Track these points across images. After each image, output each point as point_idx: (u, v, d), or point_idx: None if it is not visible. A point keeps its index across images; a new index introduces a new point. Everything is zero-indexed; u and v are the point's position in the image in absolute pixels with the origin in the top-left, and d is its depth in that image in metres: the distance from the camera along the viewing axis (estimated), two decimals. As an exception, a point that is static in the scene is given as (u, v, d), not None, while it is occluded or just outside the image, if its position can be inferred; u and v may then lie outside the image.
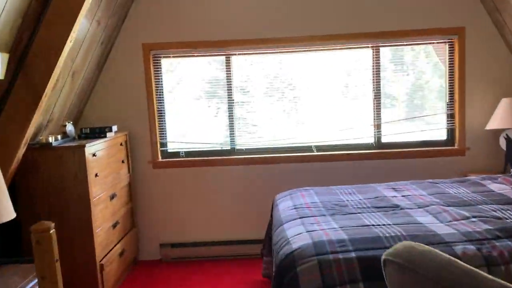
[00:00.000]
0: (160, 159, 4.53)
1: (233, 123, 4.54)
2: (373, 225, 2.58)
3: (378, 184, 3.63)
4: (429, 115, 4.60)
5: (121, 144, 4.19)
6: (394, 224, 2.57)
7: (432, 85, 4.56)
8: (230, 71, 4.47)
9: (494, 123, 4.21)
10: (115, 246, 3.92)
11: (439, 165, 4.46)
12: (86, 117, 4.40)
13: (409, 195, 3.22)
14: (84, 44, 3.68)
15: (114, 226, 3.93)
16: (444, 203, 2.96)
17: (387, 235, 2.39)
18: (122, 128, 4.35)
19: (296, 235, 2.51)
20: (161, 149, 4.55)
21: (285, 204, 3.22)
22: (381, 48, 4.45)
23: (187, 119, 4.62)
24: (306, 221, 2.75)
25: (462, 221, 2.58)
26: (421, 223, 2.59)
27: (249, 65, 4.57)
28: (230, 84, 4.49)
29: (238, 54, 4.45)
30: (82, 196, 3.39)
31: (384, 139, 4.58)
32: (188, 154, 4.59)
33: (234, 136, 4.56)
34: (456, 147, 4.50)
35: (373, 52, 4.45)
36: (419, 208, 2.91)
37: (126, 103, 4.43)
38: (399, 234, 2.39)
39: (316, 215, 2.86)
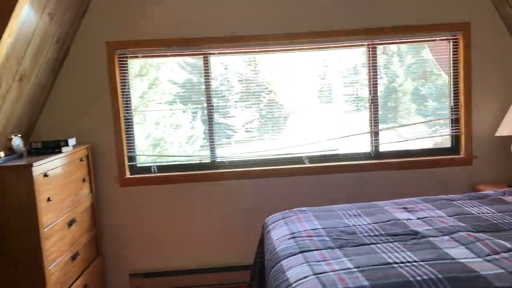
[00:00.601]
0: (128, 175, 3.92)
1: (212, 133, 3.97)
2: (396, 263, 2.05)
3: (384, 203, 3.11)
4: (432, 120, 4.14)
5: (81, 160, 3.56)
6: (421, 261, 2.06)
7: (429, 88, 4.10)
8: (208, 72, 3.90)
9: (504, 129, 3.76)
10: (75, 281, 3.30)
11: (444, 176, 4.00)
12: (39, 129, 3.74)
13: (426, 217, 2.72)
14: (33, 41, 3.05)
15: (74, 257, 3.30)
16: (472, 228, 2.47)
17: (419, 278, 1.87)
18: (83, 141, 3.72)
19: (301, 279, 1.97)
20: (129, 164, 3.94)
21: (279, 232, 2.67)
22: (377, 46, 3.96)
23: (160, 128, 4.03)
24: (310, 257, 2.20)
25: (504, 255, 2.08)
26: (455, 259, 2.08)
27: (229, 66, 4.01)
28: (209, 87, 3.92)
29: (218, 53, 3.89)
30: (29, 227, 2.76)
31: (382, 148, 4.09)
32: (161, 169, 3.99)
33: (214, 148, 3.99)
34: (462, 155, 4.04)
35: (369, 51, 3.96)
36: (444, 235, 2.40)
37: (88, 112, 3.80)
38: (433, 277, 1.87)
39: (320, 248, 2.32)
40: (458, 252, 2.15)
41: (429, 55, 4.07)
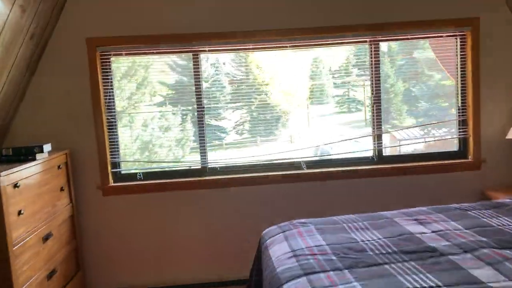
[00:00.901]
0: (111, 183, 3.60)
1: (203, 137, 3.67)
2: (417, 289, 1.77)
3: (392, 213, 2.84)
4: (439, 122, 3.87)
5: (59, 167, 3.25)
6: (445, 286, 1.78)
7: (434, 88, 3.84)
8: (198, 71, 3.61)
9: (516, 131, 3.52)
10: (52, 301, 2.98)
11: (451, 181, 3.73)
12: (13, 134, 3.42)
13: (442, 231, 2.44)
14: (3, 36, 2.74)
15: (51, 275, 2.98)
16: (495, 244, 2.20)
17: (447, 309, 1.58)
18: (61, 146, 3.40)
19: (307, 310, 1.67)
20: (113, 170, 3.63)
21: (279, 249, 2.37)
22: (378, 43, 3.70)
23: (148, 131, 3.73)
24: (316, 281, 1.91)
25: (538, 276, 1.81)
26: (483, 282, 1.80)
27: (220, 65, 3.73)
28: (199, 87, 3.63)
29: (208, 50, 3.59)
30: (-4, 246, 2.44)
31: (385, 152, 3.82)
32: (148, 176, 3.68)
33: (205, 153, 3.69)
34: (470, 159, 3.78)
35: (371, 48, 3.69)
36: (465, 252, 2.13)
37: (67, 114, 3.49)
38: (464, 307, 1.59)
39: (327, 269, 2.03)
40: (485, 274, 1.88)
41: (424, 54, 3.80)
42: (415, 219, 2.66)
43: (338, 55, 3.84)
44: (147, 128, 3.74)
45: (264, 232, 2.75)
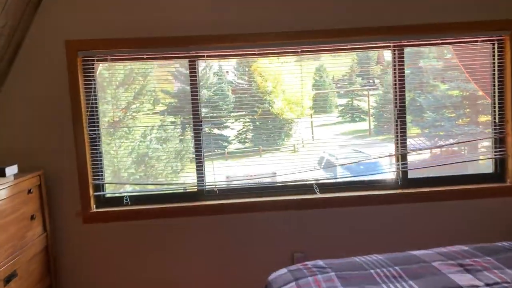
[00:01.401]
0: (94, 209, 3.11)
1: (200, 154, 3.18)
2: None
3: (427, 254, 2.32)
4: (470, 140, 3.38)
5: (29, 192, 2.76)
6: None
7: (441, 98, 3.36)
8: (195, 79, 3.13)
9: None
10: None
11: (487, 209, 3.22)
12: (-22, 150, 2.94)
13: (498, 284, 1.93)
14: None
15: (14, 323, 2.48)
16: None
17: None
18: (33, 167, 2.91)
19: None
20: (95, 194, 3.13)
21: (292, 307, 1.86)
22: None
23: (135, 149, 3.26)
24: None
25: None
26: None
27: (223, 72, 3.27)
28: (196, 98, 3.15)
29: (207, 56, 3.11)
30: None
31: (411, 174, 3.32)
32: (136, 200, 3.18)
33: (202, 173, 3.20)
34: (508, 183, 3.27)
35: (395, 53, 3.21)
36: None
37: (41, 129, 3.01)
38: None
39: None
40: None
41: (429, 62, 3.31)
42: (460, 264, 2.14)
43: (342, 64, 3.42)
44: (145, 139, 3.34)
45: (270, 278, 2.23)
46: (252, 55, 3.14)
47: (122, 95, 3.24)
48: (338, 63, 3.42)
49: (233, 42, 3.03)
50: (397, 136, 3.26)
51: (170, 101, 3.34)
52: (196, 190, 3.21)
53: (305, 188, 3.23)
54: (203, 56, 3.10)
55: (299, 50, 3.12)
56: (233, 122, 3.42)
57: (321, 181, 3.25)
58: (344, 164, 3.37)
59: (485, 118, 3.36)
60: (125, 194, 3.17)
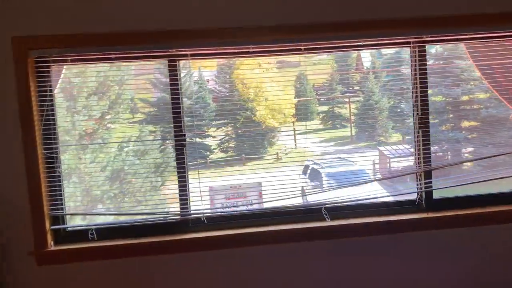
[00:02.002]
0: (51, 246, 2.49)
1: (184, 172, 2.60)
2: None
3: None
4: (501, 154, 2.86)
5: (-38, 230, 2.14)
6: None
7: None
8: (177, 83, 2.56)
9: None
10: None
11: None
12: None
13: None
14: None
15: None
16: None
17: None
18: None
19: None
20: (53, 227, 2.52)
21: None
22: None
23: (109, 163, 2.70)
24: None
25: None
26: None
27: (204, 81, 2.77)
28: (178, 106, 2.58)
29: (191, 55, 2.54)
30: None
31: (435, 194, 2.78)
32: (105, 234, 2.57)
33: (187, 198, 2.62)
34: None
35: (415, 52, 2.69)
36: None
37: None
38: None
39: None
40: None
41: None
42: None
43: (322, 71, 3.19)
44: (121, 152, 2.93)
45: None
46: (246, 54, 2.58)
47: (95, 105, 2.70)
48: (318, 70, 3.19)
49: (222, 37, 2.47)
50: (418, 149, 2.73)
51: (149, 110, 2.94)
52: (179, 219, 2.62)
53: (312, 213, 2.67)
54: (185, 56, 2.53)
55: (302, 47, 2.57)
56: (215, 131, 3.21)
57: (331, 204, 2.68)
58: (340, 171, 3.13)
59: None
60: (91, 226, 2.55)
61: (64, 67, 2.53)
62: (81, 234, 2.56)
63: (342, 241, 2.61)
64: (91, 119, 2.91)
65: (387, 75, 3.23)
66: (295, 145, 3.30)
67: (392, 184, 3.02)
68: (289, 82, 3.06)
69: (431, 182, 2.73)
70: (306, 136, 3.24)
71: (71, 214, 2.58)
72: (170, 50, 2.50)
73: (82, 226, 2.58)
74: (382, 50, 3.20)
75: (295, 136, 3.32)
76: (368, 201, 2.74)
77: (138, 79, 2.83)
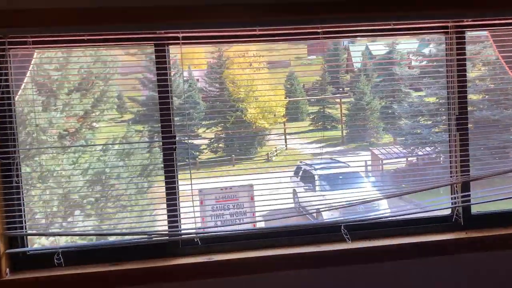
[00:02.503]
0: (7, 275, 2.00)
1: (174, 186, 2.12)
2: None
3: None
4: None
5: None
6: None
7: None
8: (165, 74, 2.08)
9: None
10: None
11: None
12: None
13: None
14: None
15: None
16: None
17: None
18: None
19: None
20: (9, 251, 2.02)
21: None
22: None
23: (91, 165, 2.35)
24: None
25: None
26: None
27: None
28: (167, 103, 2.09)
29: (183, 38, 2.06)
30: None
31: (474, 209, 2.34)
32: (75, 258, 2.08)
33: (177, 213, 2.14)
34: None
35: (452, 39, 2.24)
36: None
37: None
38: None
39: None
40: None
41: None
42: None
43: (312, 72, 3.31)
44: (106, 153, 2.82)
45: None
46: (250, 39, 2.11)
47: (76, 102, 2.45)
48: (308, 71, 3.28)
49: (223, 16, 1.99)
50: (455, 156, 2.29)
51: (138, 109, 2.81)
52: (167, 239, 2.14)
53: (328, 233, 2.21)
54: (176, 39, 2.04)
55: (320, 30, 2.10)
56: (204, 131, 3.23)
57: (352, 222, 2.22)
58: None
59: None
60: (57, 249, 2.05)
61: (36, 52, 2.05)
62: (45, 259, 2.06)
63: (364, 267, 2.15)
64: (70, 116, 2.81)
65: (378, 76, 3.20)
66: (286, 146, 3.32)
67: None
68: (279, 82, 3.03)
69: (469, 195, 2.29)
70: (296, 137, 3.34)
71: (33, 235, 2.10)
72: (157, 32, 2.02)
73: (46, 249, 2.09)
74: (372, 50, 3.29)
75: (285, 137, 3.30)
76: (396, 217, 2.29)
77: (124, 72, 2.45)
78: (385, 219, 2.30)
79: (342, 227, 2.18)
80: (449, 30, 2.22)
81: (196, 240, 2.12)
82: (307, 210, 2.41)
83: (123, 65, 2.65)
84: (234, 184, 2.65)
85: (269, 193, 2.27)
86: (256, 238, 2.16)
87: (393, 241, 2.20)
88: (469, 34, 2.33)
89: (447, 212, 2.34)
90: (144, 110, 3.01)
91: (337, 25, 2.10)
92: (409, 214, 2.31)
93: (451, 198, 2.32)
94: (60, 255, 2.04)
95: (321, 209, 2.22)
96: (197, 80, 3.35)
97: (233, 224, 2.27)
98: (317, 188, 3.12)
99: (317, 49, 3.06)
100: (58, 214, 2.38)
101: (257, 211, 2.49)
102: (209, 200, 2.71)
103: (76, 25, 1.94)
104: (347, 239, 2.16)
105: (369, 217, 2.25)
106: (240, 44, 2.19)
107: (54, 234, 2.12)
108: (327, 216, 2.40)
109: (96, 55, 2.34)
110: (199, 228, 2.14)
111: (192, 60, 3.10)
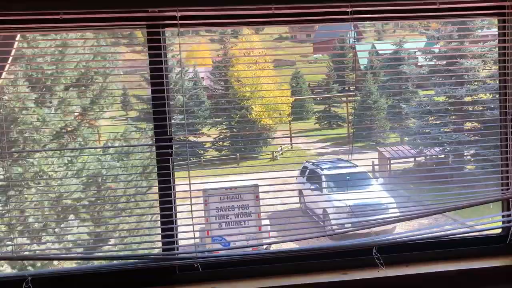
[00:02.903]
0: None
1: (170, 195, 1.75)
2: None
3: None
4: None
5: None
6: None
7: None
8: (160, 63, 1.70)
9: None
10: None
11: None
12: None
13: None
14: None
15: None
16: None
17: None
18: None
19: None
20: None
21: None
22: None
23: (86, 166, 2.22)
24: None
25: None
26: None
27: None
28: (163, 100, 1.72)
29: (181, 17, 1.68)
30: None
31: None
32: (48, 286, 1.71)
33: (173, 232, 1.76)
34: None
35: (510, 22, 1.85)
36: None
37: None
38: None
39: None
40: None
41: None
42: None
43: (318, 70, 3.26)
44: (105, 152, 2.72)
45: None
46: (264, 19, 1.72)
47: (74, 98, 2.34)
48: (314, 69, 3.36)
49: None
50: (507, 165, 1.89)
51: (142, 107, 2.60)
52: (161, 264, 1.76)
53: (356, 256, 1.82)
54: (173, 19, 1.66)
55: (349, 9, 1.71)
56: (209, 129, 3.23)
57: (385, 241, 1.83)
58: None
59: None
60: (27, 276, 1.68)
61: (18, 36, 1.70)
62: (14, 284, 1.69)
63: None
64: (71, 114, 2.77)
65: (385, 74, 3.51)
66: (291, 145, 3.23)
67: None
68: (285, 80, 3.30)
69: (528, 212, 1.89)
70: (302, 136, 3.39)
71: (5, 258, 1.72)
72: (150, 11, 1.64)
73: (13, 275, 1.71)
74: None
75: (290, 136, 3.08)
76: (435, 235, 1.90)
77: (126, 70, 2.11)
78: (424, 240, 1.90)
79: (374, 250, 1.79)
80: (506, 11, 1.82)
81: (196, 265, 1.74)
82: (335, 230, 2.00)
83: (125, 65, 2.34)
84: (239, 184, 2.52)
85: (274, 195, 2.02)
86: (269, 263, 1.78)
87: (433, 268, 1.81)
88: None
89: (497, 231, 1.94)
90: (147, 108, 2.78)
91: (370, 3, 1.71)
92: (456, 234, 1.91)
93: (502, 216, 1.93)
94: (29, 281, 1.67)
95: (351, 229, 1.83)
96: (202, 78, 3.73)
97: (241, 247, 1.88)
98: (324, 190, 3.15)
99: (323, 48, 2.90)
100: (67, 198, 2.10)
101: (264, 225, 2.15)
102: (213, 203, 2.51)
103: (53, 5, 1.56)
104: (380, 265, 1.77)
105: (405, 237, 1.85)
106: (250, 26, 1.80)
107: (21, 258, 1.74)
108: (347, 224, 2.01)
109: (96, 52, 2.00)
110: (199, 252, 1.75)
111: (196, 58, 2.98)
